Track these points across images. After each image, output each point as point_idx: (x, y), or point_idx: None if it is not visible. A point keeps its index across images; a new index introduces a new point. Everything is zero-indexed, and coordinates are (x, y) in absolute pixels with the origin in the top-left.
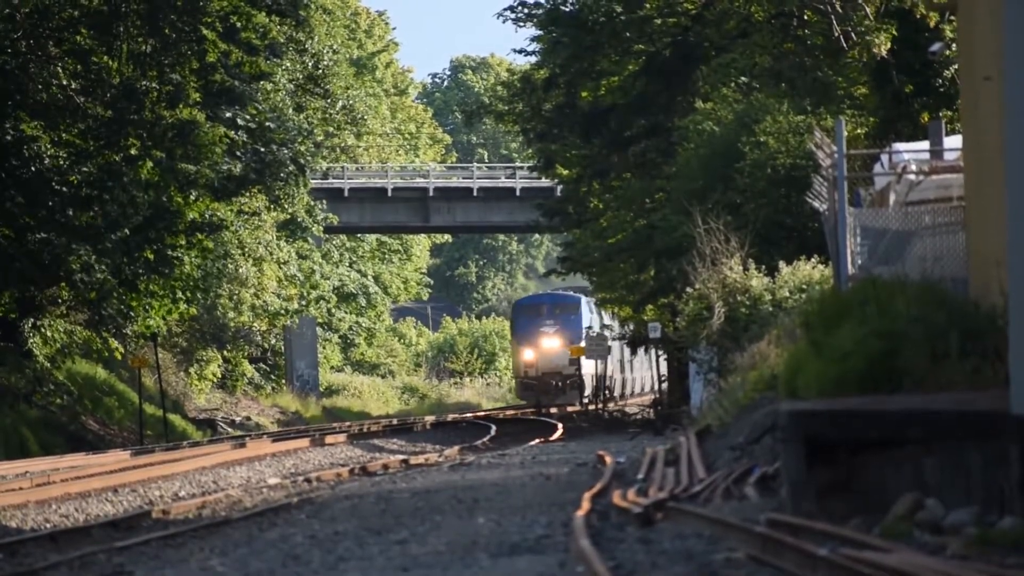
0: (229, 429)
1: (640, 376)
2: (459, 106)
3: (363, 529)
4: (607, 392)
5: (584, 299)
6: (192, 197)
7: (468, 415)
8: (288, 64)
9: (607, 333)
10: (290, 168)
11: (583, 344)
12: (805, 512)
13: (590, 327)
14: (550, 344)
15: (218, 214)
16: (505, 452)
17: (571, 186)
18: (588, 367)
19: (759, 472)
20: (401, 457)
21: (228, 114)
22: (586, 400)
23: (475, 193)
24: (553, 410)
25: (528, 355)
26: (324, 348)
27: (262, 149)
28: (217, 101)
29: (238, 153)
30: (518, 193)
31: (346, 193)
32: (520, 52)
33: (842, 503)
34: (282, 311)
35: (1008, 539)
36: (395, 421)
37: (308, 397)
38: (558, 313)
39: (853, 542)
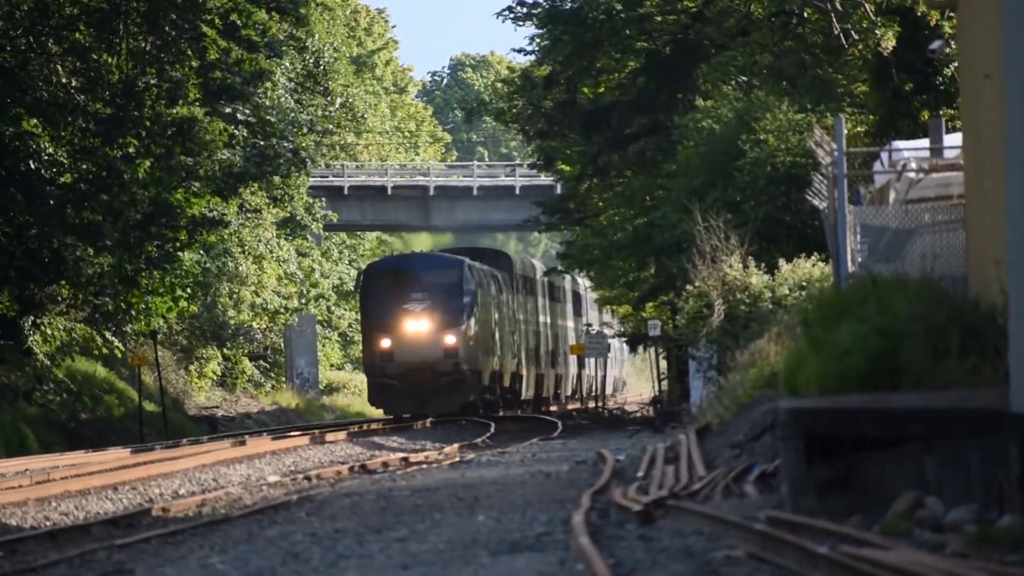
0: (220, 423)
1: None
2: (459, 104)
3: (363, 527)
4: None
5: (470, 264)
6: (193, 190)
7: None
8: (288, 62)
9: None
10: (291, 159)
11: (467, 329)
12: (805, 510)
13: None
14: (416, 327)
15: (219, 210)
16: (505, 450)
17: (571, 184)
18: (471, 362)
19: (759, 470)
20: (401, 455)
21: (228, 109)
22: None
23: (475, 192)
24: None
25: (384, 343)
26: (324, 346)
27: (262, 143)
28: (217, 98)
29: (238, 147)
30: (518, 191)
31: (346, 191)
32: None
33: (842, 501)
34: (282, 309)
35: (1008, 537)
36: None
37: (308, 394)
38: (430, 283)
39: (853, 540)
